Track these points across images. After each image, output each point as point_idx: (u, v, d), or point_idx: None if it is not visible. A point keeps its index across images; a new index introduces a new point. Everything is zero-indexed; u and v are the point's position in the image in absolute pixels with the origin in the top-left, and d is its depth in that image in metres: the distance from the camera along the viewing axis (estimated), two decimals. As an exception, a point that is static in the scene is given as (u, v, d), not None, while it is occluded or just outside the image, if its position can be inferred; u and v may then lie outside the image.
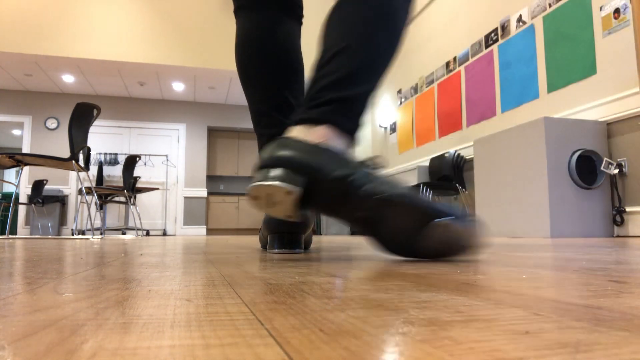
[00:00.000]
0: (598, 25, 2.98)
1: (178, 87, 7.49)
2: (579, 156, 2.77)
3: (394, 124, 5.91)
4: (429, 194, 4.09)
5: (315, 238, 2.98)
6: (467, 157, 4.24)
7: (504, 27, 3.91)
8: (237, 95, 7.91)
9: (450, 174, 4.22)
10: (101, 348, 0.18)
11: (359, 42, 0.78)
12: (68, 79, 7.06)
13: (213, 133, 8.65)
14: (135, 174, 6.01)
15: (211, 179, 8.76)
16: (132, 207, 5.68)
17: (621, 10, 2.81)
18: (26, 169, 7.44)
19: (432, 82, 5.05)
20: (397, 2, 0.81)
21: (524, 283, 0.38)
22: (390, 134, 6.03)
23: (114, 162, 7.89)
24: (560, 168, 2.75)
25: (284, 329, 0.21)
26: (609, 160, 2.77)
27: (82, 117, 3.22)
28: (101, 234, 4.87)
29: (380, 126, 6.28)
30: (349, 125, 0.75)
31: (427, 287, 0.36)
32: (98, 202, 4.64)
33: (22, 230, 7.36)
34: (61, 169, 4.69)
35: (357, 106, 0.77)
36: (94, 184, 6.87)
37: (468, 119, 4.36)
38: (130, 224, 7.14)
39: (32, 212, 7.19)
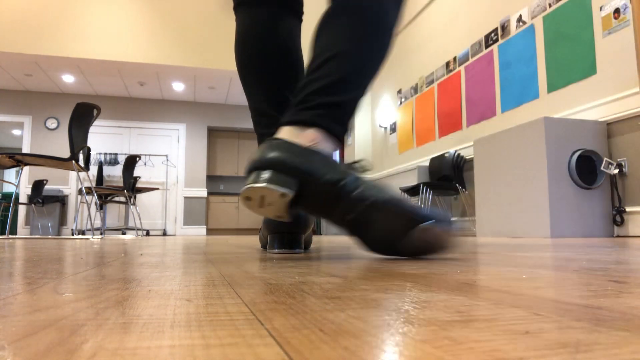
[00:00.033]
0: (598, 25, 2.98)
1: (178, 87, 7.49)
2: (579, 156, 2.77)
3: (394, 124, 5.91)
4: (429, 194, 4.09)
5: (315, 238, 2.98)
6: (467, 157, 4.24)
7: (504, 27, 3.91)
8: (237, 95, 7.91)
9: (450, 174, 4.22)
10: (101, 348, 0.18)
11: (351, 49, 0.81)
12: (68, 79, 7.06)
13: (213, 133, 8.65)
14: (135, 174, 6.01)
15: (211, 179, 8.76)
16: (132, 207, 5.68)
17: (621, 10, 2.81)
18: (26, 169, 7.44)
19: (432, 82, 5.05)
20: (388, 10, 0.84)
21: (524, 283, 0.38)
22: (390, 134, 6.03)
23: (114, 162, 7.89)
24: (560, 168, 2.75)
25: (284, 329, 0.21)
26: (609, 160, 2.77)
27: (82, 117, 3.22)
28: (101, 234, 4.87)
29: (380, 126, 6.28)
30: (337, 130, 0.78)
31: (427, 287, 0.36)
32: (98, 202, 4.64)
33: (22, 230, 7.36)
34: (61, 169, 4.69)
35: (347, 111, 0.80)
36: (94, 184, 6.87)
37: (468, 119, 4.36)
38: (130, 224, 7.14)
39: (32, 212, 7.19)
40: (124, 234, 6.34)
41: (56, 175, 7.54)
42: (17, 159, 3.05)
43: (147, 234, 6.61)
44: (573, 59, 3.17)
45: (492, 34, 4.07)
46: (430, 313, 0.25)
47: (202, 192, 8.13)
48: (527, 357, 0.16)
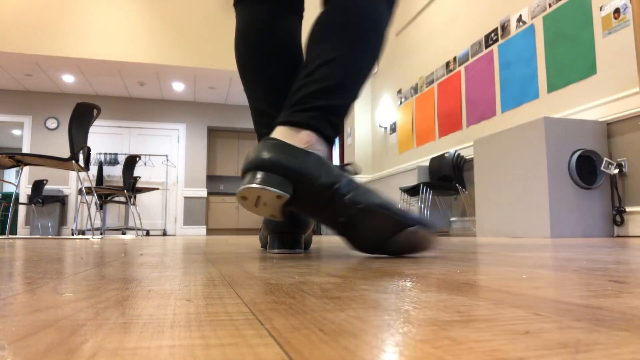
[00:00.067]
0: (598, 25, 2.98)
1: (178, 87, 7.49)
2: (579, 156, 2.77)
3: (394, 124, 5.91)
4: (429, 194, 4.09)
5: (315, 238, 2.98)
6: (467, 157, 4.24)
7: (504, 27, 3.91)
8: (237, 95, 7.91)
9: (450, 174, 4.22)
10: (101, 348, 0.18)
11: (347, 54, 0.84)
12: (68, 79, 7.06)
13: (213, 133, 8.65)
14: (135, 174, 6.01)
15: (211, 179, 8.76)
16: (132, 207, 5.68)
17: (621, 10, 2.81)
18: (26, 169, 7.44)
19: (432, 82, 5.05)
20: (381, 14, 0.87)
21: (524, 283, 0.38)
22: (390, 134, 6.03)
23: (114, 162, 7.89)
24: (560, 168, 2.75)
25: (284, 329, 0.21)
26: (609, 160, 2.77)
27: (82, 117, 3.22)
28: (101, 234, 4.87)
29: (380, 126, 6.28)
30: (330, 132, 0.81)
31: (427, 287, 0.36)
32: (98, 202, 4.64)
33: (22, 230, 7.36)
34: (61, 169, 4.69)
35: (339, 115, 0.83)
36: (94, 184, 6.87)
37: (468, 119, 4.36)
38: (130, 224, 7.14)
39: (32, 212, 7.19)
40: (124, 234, 6.34)
41: (56, 175, 7.54)
42: (17, 159, 3.05)
43: (147, 234, 6.61)
44: (573, 59, 3.17)
45: (492, 34, 4.07)
46: (430, 313, 0.25)
47: (202, 192, 8.13)
48: (527, 357, 0.16)
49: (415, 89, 5.43)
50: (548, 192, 2.71)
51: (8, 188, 9.88)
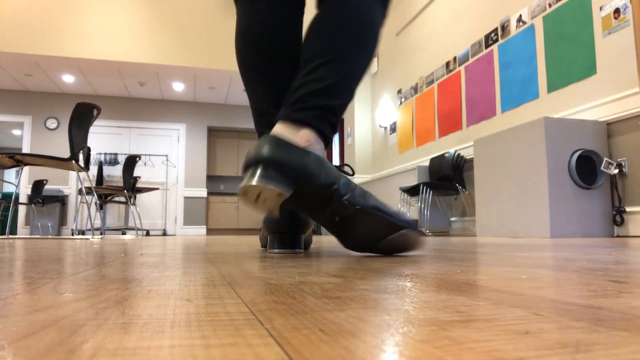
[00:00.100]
0: (598, 25, 2.98)
1: (178, 87, 7.49)
2: (579, 156, 2.76)
3: (394, 124, 5.90)
4: (429, 194, 4.09)
5: (315, 238, 2.98)
6: (467, 157, 4.24)
7: (504, 27, 3.91)
8: (237, 95, 7.91)
9: (450, 174, 4.22)
10: (101, 348, 0.18)
11: (345, 54, 0.86)
12: (68, 79, 7.06)
13: (213, 133, 8.65)
14: (135, 174, 6.01)
15: (211, 179, 8.76)
16: (132, 207, 5.68)
17: (621, 10, 2.81)
18: (26, 169, 7.44)
19: (432, 82, 5.05)
20: (376, 14, 0.90)
21: (524, 283, 0.38)
22: (390, 134, 6.03)
23: (114, 162, 7.89)
24: (560, 168, 2.75)
25: (284, 329, 0.21)
26: (609, 160, 2.77)
27: (82, 117, 3.22)
28: (101, 234, 4.87)
29: (380, 126, 6.28)
30: (328, 132, 0.83)
31: (427, 287, 0.36)
32: (98, 202, 4.64)
33: (22, 230, 7.36)
34: (61, 169, 4.69)
35: (337, 114, 0.85)
36: (94, 184, 6.87)
37: (468, 119, 4.36)
38: (130, 224, 7.14)
39: (32, 212, 7.19)
40: (124, 234, 6.34)
41: (56, 175, 7.54)
42: (17, 159, 3.05)
43: (147, 234, 6.61)
44: (573, 59, 3.17)
45: (492, 34, 4.07)
46: (430, 313, 0.25)
47: (202, 192, 8.13)
48: (527, 357, 0.16)
49: (415, 89, 5.43)
50: (548, 192, 2.71)
51: (8, 188, 9.88)
